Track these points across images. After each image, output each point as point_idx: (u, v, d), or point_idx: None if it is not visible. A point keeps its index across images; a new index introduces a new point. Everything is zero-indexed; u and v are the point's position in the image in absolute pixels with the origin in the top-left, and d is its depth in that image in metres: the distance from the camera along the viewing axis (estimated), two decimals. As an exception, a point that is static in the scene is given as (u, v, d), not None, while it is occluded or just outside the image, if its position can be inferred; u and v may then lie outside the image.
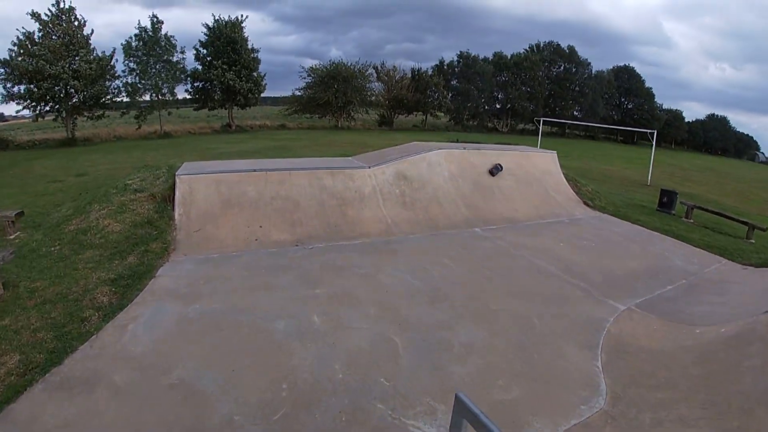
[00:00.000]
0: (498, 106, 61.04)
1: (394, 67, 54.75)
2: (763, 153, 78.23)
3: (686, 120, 70.20)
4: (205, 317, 5.25)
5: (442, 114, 59.88)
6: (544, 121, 28.18)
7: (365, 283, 6.43)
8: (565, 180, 13.06)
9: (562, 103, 61.31)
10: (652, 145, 23.24)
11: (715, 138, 71.64)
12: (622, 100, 67.31)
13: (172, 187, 8.51)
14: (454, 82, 59.84)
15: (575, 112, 61.57)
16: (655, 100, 67.19)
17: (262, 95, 41.83)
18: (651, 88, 66.58)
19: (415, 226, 9.18)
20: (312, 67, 47.31)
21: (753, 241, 12.34)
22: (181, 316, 5.25)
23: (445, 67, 60.28)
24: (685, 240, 10.47)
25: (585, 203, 12.55)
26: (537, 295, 6.48)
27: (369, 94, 50.84)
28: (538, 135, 29.55)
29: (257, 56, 39.69)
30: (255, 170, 8.95)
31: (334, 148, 25.88)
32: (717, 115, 74.18)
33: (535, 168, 12.53)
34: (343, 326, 5.23)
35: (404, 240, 8.55)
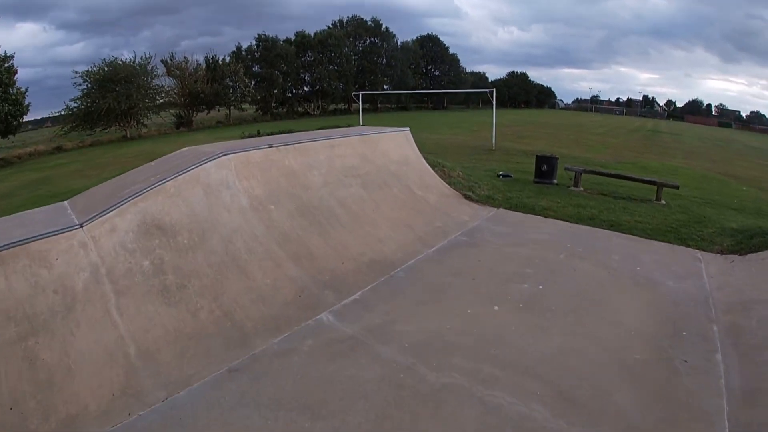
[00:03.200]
0: (307, 89, 56.44)
1: (185, 58, 46.29)
2: (561, 100, 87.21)
3: (490, 80, 74.07)
4: None
5: (248, 105, 53.26)
6: (361, 95, 24.26)
7: None
8: (430, 168, 8.81)
9: (372, 78, 59.30)
10: (493, 106, 20.68)
11: (518, 92, 77.19)
12: (429, 68, 68.11)
13: None
14: (256, 68, 53.60)
15: (385, 86, 59.93)
16: (461, 64, 69.41)
17: (46, 115, 32.24)
18: (456, 54, 68.50)
19: (192, 348, 3.94)
20: (86, 72, 36.78)
21: (664, 202, 9.70)
22: None
23: (244, 52, 53.58)
24: (626, 229, 7.02)
25: (465, 197, 8.46)
26: None
27: (158, 92, 42.08)
28: (359, 113, 25.58)
29: (12, 65, 29.02)
30: None
31: (113, 168, 18.63)
32: (517, 72, 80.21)
33: (386, 158, 8.01)
34: None
35: (167, 412, 3.32)
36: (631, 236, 6.90)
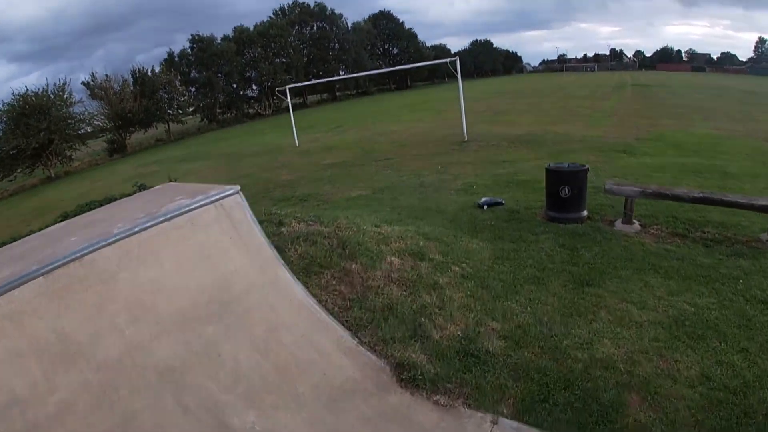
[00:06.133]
0: (255, 87, 50.72)
1: (107, 76, 40.21)
2: (528, 64, 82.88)
3: (453, 51, 69.13)
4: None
5: (191, 116, 47.58)
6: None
7: None
8: (304, 296, 3.74)
9: (324, 66, 53.77)
10: (458, 79, 15.45)
11: (484, 61, 72.56)
12: (387, 47, 62.94)
13: None
14: (194, 74, 47.81)
15: (341, 72, 54.39)
16: (419, 39, 64.34)
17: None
18: (412, 29, 63.57)
19: None
20: (-1, 110, 30.45)
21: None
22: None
23: (176, 58, 47.66)
24: None
25: (399, 374, 3.37)
26: None
27: (81, 120, 36.05)
28: (290, 110, 20.32)
29: None
30: None
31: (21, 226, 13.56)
32: (480, 40, 75.44)
33: (153, 316, 2.90)
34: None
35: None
36: None
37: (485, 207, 6.98)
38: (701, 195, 5.53)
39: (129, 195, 5.39)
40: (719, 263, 4.78)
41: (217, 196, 3.69)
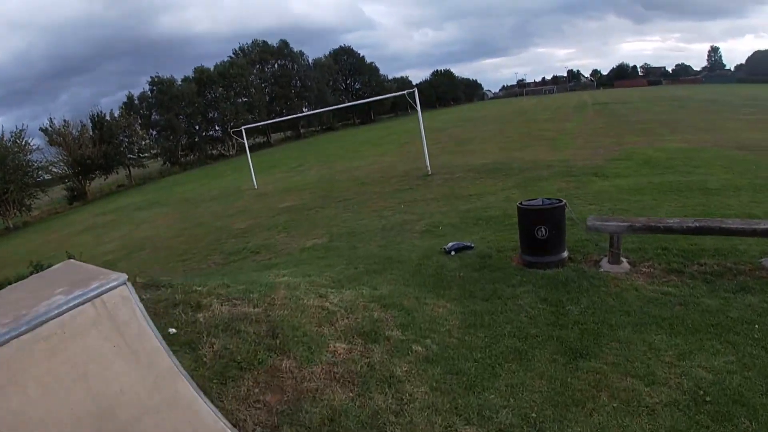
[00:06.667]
0: (218, 128, 49.71)
1: (65, 122, 38.80)
2: (489, 90, 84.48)
3: (414, 83, 69.78)
4: None
5: (153, 159, 46.21)
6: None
7: None
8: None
9: (287, 104, 53.36)
10: (417, 110, 14.97)
11: (445, 90, 73.53)
12: (348, 81, 63.15)
13: None
14: (155, 116, 46.73)
15: (304, 108, 53.99)
16: (381, 73, 64.85)
17: None
18: (373, 63, 64.16)
19: None
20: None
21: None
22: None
23: (137, 101, 46.59)
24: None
25: None
26: None
27: (39, 168, 34.49)
28: (246, 152, 19.47)
29: None
30: None
31: None
32: (440, 70, 76.53)
33: None
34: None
35: None
36: None
37: (453, 253, 6.18)
38: (696, 225, 4.82)
39: (23, 278, 4.37)
40: (727, 304, 4.06)
41: (97, 291, 2.73)
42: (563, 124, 25.30)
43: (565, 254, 5.24)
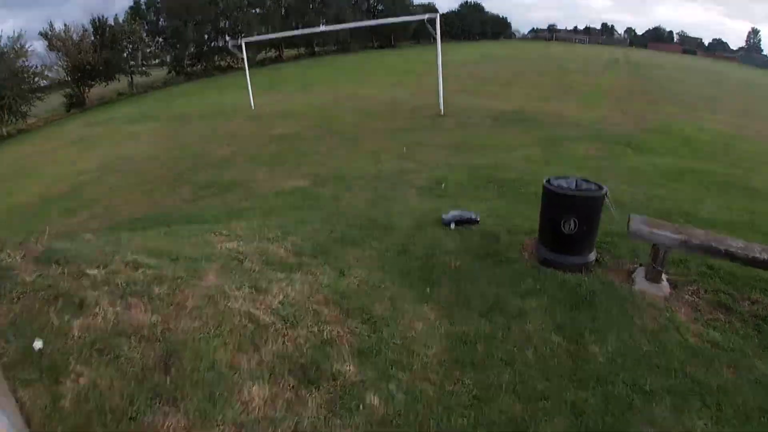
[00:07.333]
0: (228, 38, 46.98)
1: (66, 26, 36.46)
2: (517, 30, 79.63)
3: (441, 12, 65.39)
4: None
5: (159, 68, 44.14)
6: (244, 44, 16.34)
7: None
8: None
9: (304, 18, 49.87)
10: (437, 41, 13.24)
11: (473, 24, 68.79)
12: (371, 2, 58.82)
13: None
14: (162, 23, 44.22)
15: (321, 25, 50.75)
16: (408, -2, 60.41)
17: None
18: (398, -17, 59.24)
19: None
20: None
21: None
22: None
23: (144, 7, 44.00)
24: None
25: None
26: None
27: (36, 73, 32.68)
28: (245, 68, 17.59)
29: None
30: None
31: None
32: (469, 2, 71.16)
33: None
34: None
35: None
36: None
37: (452, 225, 4.93)
38: (765, 257, 3.44)
39: None
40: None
41: None
42: (595, 78, 23.09)
43: (593, 256, 3.99)
